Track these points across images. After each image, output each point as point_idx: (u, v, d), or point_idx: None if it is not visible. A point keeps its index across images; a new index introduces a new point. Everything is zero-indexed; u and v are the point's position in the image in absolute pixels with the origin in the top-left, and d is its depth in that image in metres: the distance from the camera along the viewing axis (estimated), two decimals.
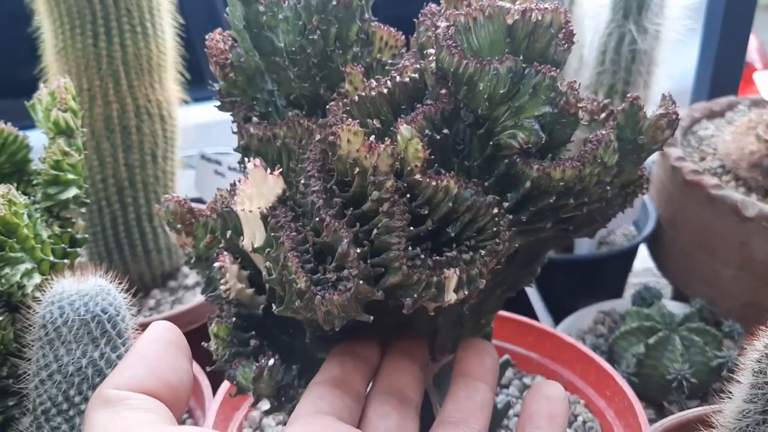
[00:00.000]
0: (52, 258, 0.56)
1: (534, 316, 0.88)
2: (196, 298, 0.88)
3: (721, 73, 1.13)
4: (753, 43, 2.32)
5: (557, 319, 0.93)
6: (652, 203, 1.02)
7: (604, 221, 0.53)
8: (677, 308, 0.89)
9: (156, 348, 0.37)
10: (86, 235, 0.61)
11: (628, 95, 0.47)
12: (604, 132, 0.46)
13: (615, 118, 0.50)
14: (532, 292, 0.95)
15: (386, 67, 0.49)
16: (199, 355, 0.74)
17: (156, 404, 0.35)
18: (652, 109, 0.49)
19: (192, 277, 0.93)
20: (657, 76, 0.88)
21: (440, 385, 0.54)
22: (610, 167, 0.47)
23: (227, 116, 0.54)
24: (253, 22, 0.46)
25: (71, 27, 0.76)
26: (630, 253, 1.02)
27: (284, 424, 0.71)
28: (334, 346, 0.49)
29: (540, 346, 0.76)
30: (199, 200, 1.02)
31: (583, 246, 1.00)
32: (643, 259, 1.12)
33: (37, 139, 0.62)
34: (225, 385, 0.67)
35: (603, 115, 0.51)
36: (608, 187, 0.48)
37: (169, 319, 0.81)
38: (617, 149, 0.47)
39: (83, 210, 0.60)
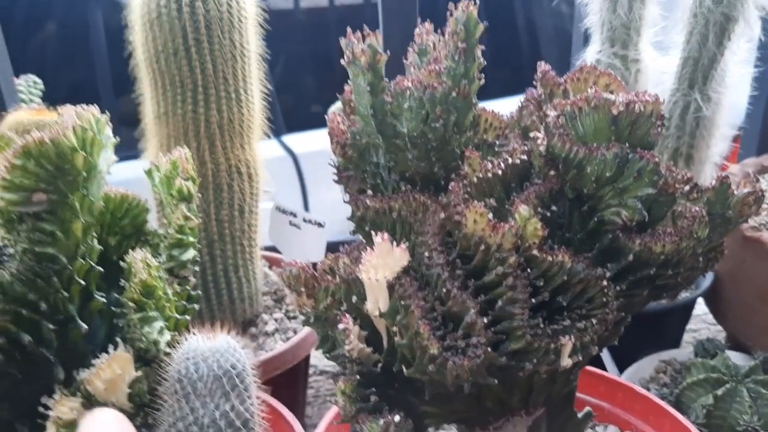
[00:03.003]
0: (177, 315, 0.61)
1: (600, 366, 0.92)
2: (278, 345, 0.93)
3: None
4: None
5: (620, 368, 0.96)
6: None
7: (688, 284, 0.58)
8: (738, 359, 0.92)
9: None
10: (199, 292, 0.66)
11: (719, 174, 0.52)
12: (696, 209, 0.51)
13: (700, 190, 0.54)
14: None
15: (493, 148, 0.54)
16: (290, 401, 0.78)
17: None
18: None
19: (271, 324, 0.98)
20: (717, 138, 0.93)
21: None
22: (702, 240, 0.51)
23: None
24: (379, 110, 0.51)
25: (173, 95, 0.82)
26: (689, 306, 1.05)
27: None
28: (443, 402, 0.53)
29: (611, 396, 0.80)
30: (273, 249, 1.07)
31: None
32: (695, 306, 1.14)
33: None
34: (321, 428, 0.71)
35: (687, 188, 0.56)
36: (700, 258, 0.52)
37: (257, 365, 0.86)
38: (708, 224, 0.52)
39: (197, 268, 0.66)
